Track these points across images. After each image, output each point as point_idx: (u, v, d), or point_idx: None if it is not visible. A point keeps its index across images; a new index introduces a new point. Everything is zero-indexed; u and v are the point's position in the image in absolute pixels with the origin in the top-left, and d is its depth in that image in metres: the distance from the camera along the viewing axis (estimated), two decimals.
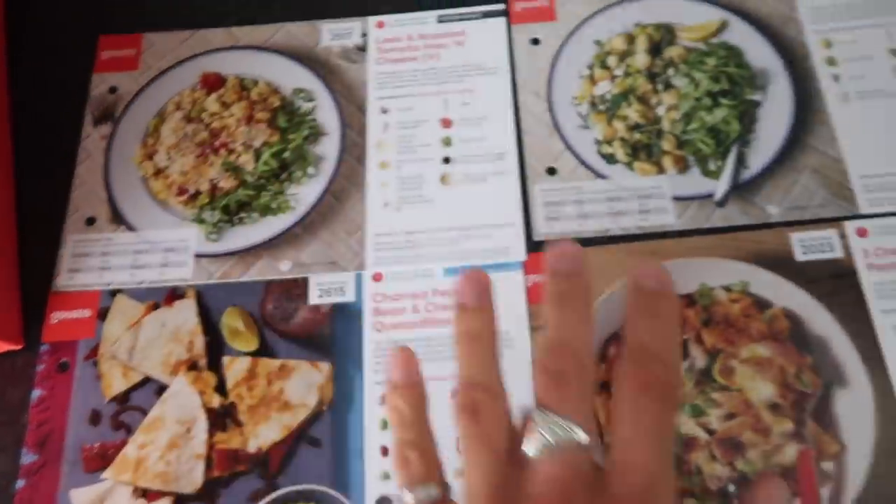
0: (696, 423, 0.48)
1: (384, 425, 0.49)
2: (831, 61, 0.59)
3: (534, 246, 0.54)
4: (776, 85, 0.58)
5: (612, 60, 0.60)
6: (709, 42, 0.60)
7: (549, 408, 0.26)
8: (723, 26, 0.60)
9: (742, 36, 0.60)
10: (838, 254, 0.52)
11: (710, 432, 0.48)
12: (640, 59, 0.59)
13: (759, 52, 0.59)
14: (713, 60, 0.59)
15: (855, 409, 0.48)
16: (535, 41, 0.62)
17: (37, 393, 0.51)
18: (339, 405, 0.50)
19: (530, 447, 0.26)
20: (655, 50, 0.60)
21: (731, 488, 0.46)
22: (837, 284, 0.52)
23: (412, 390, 0.31)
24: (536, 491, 0.26)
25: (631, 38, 0.60)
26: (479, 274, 0.30)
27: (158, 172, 0.58)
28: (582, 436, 0.25)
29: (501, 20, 0.62)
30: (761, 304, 0.51)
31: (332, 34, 0.63)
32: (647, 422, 0.26)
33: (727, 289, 0.52)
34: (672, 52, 0.60)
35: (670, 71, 0.59)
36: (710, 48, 0.60)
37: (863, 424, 0.48)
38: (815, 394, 0.48)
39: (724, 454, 0.47)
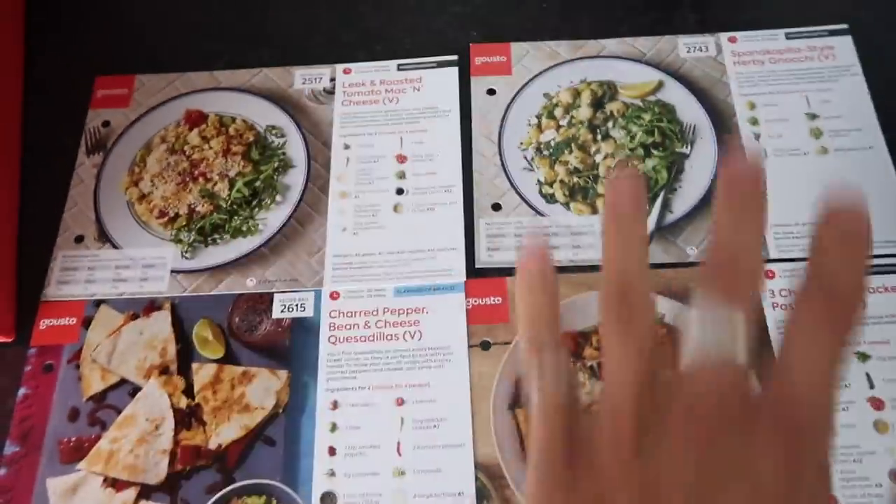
0: None
1: (332, 428, 0.59)
2: (754, 121, 0.70)
3: (474, 272, 0.65)
4: (703, 140, 0.69)
5: (558, 111, 0.71)
6: (645, 100, 0.72)
7: (713, 296, 0.25)
8: (659, 86, 0.72)
9: (676, 95, 0.72)
10: None
11: None
12: (584, 112, 0.71)
13: (690, 110, 0.71)
14: (648, 116, 0.70)
15: None
16: (492, 91, 0.73)
17: (22, 391, 0.61)
18: (294, 409, 0.60)
19: (689, 342, 0.25)
20: (598, 104, 0.71)
21: None
22: None
23: (547, 278, 0.29)
24: (689, 394, 0.25)
25: (577, 93, 0.72)
26: (635, 179, 0.28)
27: (143, 197, 0.69)
28: (741, 344, 0.25)
29: (454, 69, 0.74)
30: (676, 335, 0.62)
31: (304, 78, 0.75)
32: (821, 358, 0.24)
33: None
34: (612, 107, 0.71)
35: (610, 123, 0.70)
36: (647, 105, 0.71)
37: None
38: None
39: None
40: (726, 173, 0.26)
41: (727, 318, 0.25)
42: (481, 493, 0.56)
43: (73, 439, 0.60)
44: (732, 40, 0.74)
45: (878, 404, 0.58)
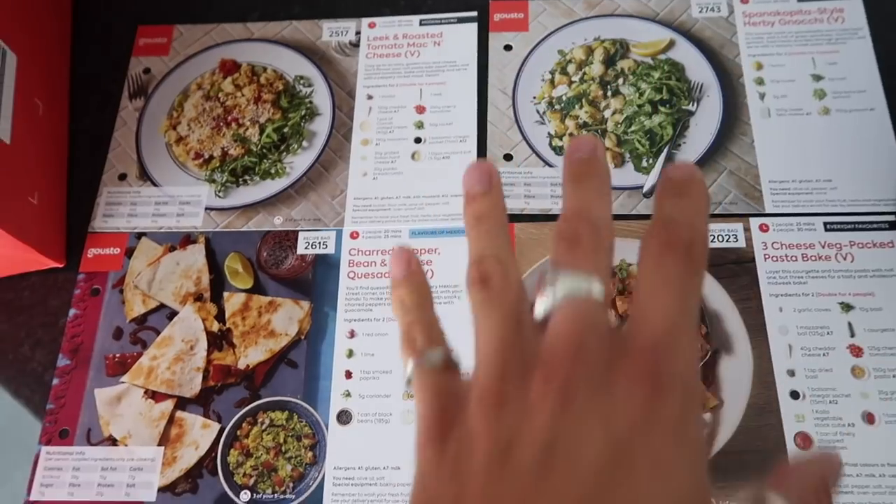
0: None
1: (349, 354, 0.66)
2: (760, 81, 0.74)
3: None
4: (709, 98, 0.74)
5: (571, 68, 0.76)
6: (656, 58, 0.76)
7: (562, 266, 0.27)
8: (670, 45, 0.76)
9: (686, 54, 0.76)
10: (741, 244, 0.68)
11: None
12: (596, 68, 0.75)
13: (698, 69, 0.75)
14: (658, 74, 0.74)
15: (736, 372, 0.64)
16: (508, 47, 0.78)
17: (73, 312, 0.69)
18: (315, 336, 0.67)
19: (540, 305, 0.27)
20: (610, 61, 0.76)
21: None
22: (737, 269, 0.67)
23: (412, 279, 0.33)
24: (546, 344, 0.26)
25: (590, 50, 0.76)
26: (484, 163, 0.32)
27: (180, 140, 0.76)
28: (596, 287, 0.26)
29: (474, 25, 0.79)
30: None
31: (331, 31, 0.80)
32: (669, 278, 0.26)
33: None
34: (623, 64, 0.75)
35: (620, 80, 0.75)
36: (657, 63, 0.75)
37: (740, 386, 0.63)
38: (704, 357, 0.64)
39: None
40: (566, 154, 0.30)
41: (574, 277, 0.27)
42: None
43: (118, 356, 0.68)
44: (745, 1, 0.78)
45: (857, 351, 0.63)
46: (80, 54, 0.81)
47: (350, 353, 0.66)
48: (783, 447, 0.60)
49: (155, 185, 0.74)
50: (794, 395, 0.62)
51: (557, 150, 0.73)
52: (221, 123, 0.76)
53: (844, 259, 0.66)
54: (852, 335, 0.64)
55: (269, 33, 0.81)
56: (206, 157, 0.74)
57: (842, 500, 0.59)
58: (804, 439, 0.61)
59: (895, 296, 0.65)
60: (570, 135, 0.73)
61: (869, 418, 0.61)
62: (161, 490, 0.62)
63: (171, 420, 0.65)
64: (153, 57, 0.81)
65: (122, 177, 0.75)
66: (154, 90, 0.79)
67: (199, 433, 0.64)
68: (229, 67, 0.78)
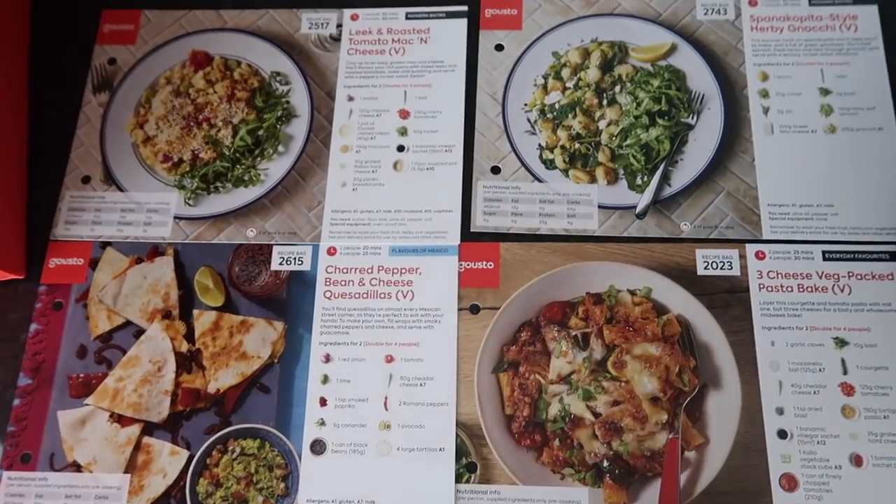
0: (586, 405, 0.62)
1: (324, 380, 0.64)
2: (764, 93, 0.70)
3: (469, 236, 0.67)
4: (710, 111, 0.70)
5: (565, 72, 0.72)
6: (656, 64, 0.72)
7: None
8: (672, 49, 0.72)
9: (688, 60, 0.71)
10: (735, 272, 0.65)
11: (596, 415, 0.62)
12: (592, 74, 0.71)
13: (700, 78, 0.71)
14: (657, 82, 0.70)
15: (723, 409, 0.62)
16: (499, 47, 0.73)
17: (34, 327, 0.66)
18: (288, 359, 0.65)
19: None
20: (607, 66, 0.72)
21: (605, 464, 0.61)
22: (729, 299, 0.65)
23: None
24: None
25: (586, 53, 0.72)
26: None
27: (147, 140, 0.72)
28: None
29: (463, 21, 0.74)
30: (659, 309, 0.65)
31: (311, 23, 0.75)
32: None
33: (632, 292, 0.65)
34: (622, 70, 0.71)
35: (617, 88, 0.71)
36: (657, 70, 0.71)
37: (727, 422, 0.61)
38: (691, 392, 0.62)
39: (604, 435, 0.61)
40: None
41: None
42: (461, 450, 0.61)
43: (82, 375, 0.65)
44: (753, 3, 0.73)
45: (848, 390, 0.62)
46: (40, 41, 0.76)
47: (325, 379, 0.64)
48: (767, 489, 0.59)
49: (121, 189, 0.70)
50: (782, 434, 0.61)
51: (548, 164, 0.69)
52: (192, 123, 0.71)
53: (842, 291, 0.64)
54: (845, 372, 0.62)
55: (243, 23, 0.76)
56: (176, 160, 0.70)
57: None
58: (789, 481, 0.59)
59: (891, 332, 0.63)
60: (563, 147, 0.69)
61: (857, 460, 0.60)
62: None
63: (137, 446, 0.63)
64: (119, 46, 0.75)
65: (86, 180, 0.71)
66: (120, 83, 0.74)
67: (167, 460, 0.62)
68: (201, 60, 0.73)
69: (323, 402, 0.63)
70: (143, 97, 0.73)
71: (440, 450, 0.61)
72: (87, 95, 0.74)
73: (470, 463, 0.61)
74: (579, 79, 0.71)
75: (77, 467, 0.62)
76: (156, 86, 0.73)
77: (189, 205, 0.70)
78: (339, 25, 0.75)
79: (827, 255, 0.65)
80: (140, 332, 0.66)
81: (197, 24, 0.76)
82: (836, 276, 0.65)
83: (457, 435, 0.62)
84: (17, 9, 0.75)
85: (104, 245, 0.69)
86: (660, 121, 0.69)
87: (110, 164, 0.71)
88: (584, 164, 0.69)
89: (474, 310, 0.65)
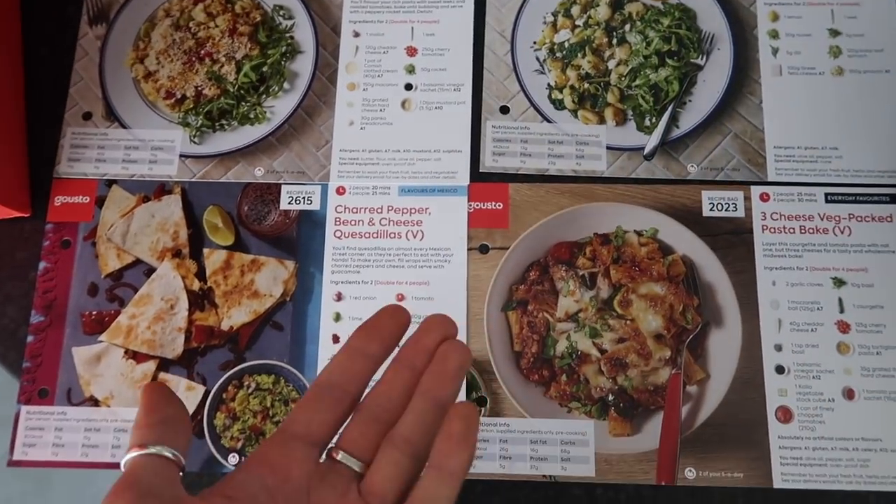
0: (592, 342, 0.64)
1: (336, 317, 0.65)
2: (774, 34, 0.71)
3: (478, 176, 0.68)
4: (720, 52, 0.70)
5: (575, 9, 0.71)
6: (667, 2, 0.71)
7: None
8: None
9: None
10: (740, 213, 0.67)
11: (602, 351, 0.64)
12: (602, 12, 0.71)
13: (711, 18, 0.71)
14: (667, 20, 0.70)
15: (724, 346, 0.65)
16: None
17: (43, 265, 0.67)
18: (300, 298, 0.66)
19: None
20: (617, 3, 0.71)
21: (610, 398, 0.64)
22: (733, 240, 0.67)
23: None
24: None
25: None
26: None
27: (148, 75, 0.71)
28: None
29: None
30: (665, 250, 0.67)
31: None
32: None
33: (639, 233, 0.67)
34: (632, 8, 0.71)
35: (627, 26, 0.71)
36: (667, 8, 0.71)
37: (728, 359, 0.64)
38: (694, 329, 0.65)
39: (609, 370, 0.64)
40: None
41: None
42: (471, 385, 0.64)
43: (94, 313, 0.66)
44: None
45: (844, 327, 0.65)
46: None
47: (337, 317, 0.65)
48: (764, 421, 0.63)
49: (123, 126, 0.70)
50: (780, 369, 0.64)
51: (557, 104, 0.70)
52: (194, 58, 0.70)
53: (842, 232, 0.66)
54: (841, 311, 0.65)
55: None
56: (179, 96, 0.70)
57: (815, 472, 0.62)
58: (785, 413, 0.63)
59: (888, 272, 0.65)
60: (572, 87, 0.69)
61: (849, 394, 0.63)
62: None
63: (154, 381, 0.64)
64: None
65: (87, 116, 0.70)
66: (117, 15, 0.72)
67: (184, 395, 0.64)
68: None
69: (336, 339, 0.65)
70: (142, 30, 0.72)
71: None
72: (83, 28, 0.72)
73: (480, 397, 0.64)
74: (589, 16, 0.71)
75: (95, 402, 0.64)
76: (154, 18, 0.72)
77: (194, 143, 0.69)
78: None
79: (829, 198, 0.67)
80: (151, 270, 0.67)
81: None
82: (837, 218, 0.67)
83: (468, 371, 0.64)
84: None
85: (109, 183, 0.69)
86: (669, 61, 0.69)
87: (111, 99, 0.70)
88: (594, 104, 0.70)
89: (483, 250, 0.67)
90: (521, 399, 0.64)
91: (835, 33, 0.70)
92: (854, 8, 0.71)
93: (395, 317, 0.41)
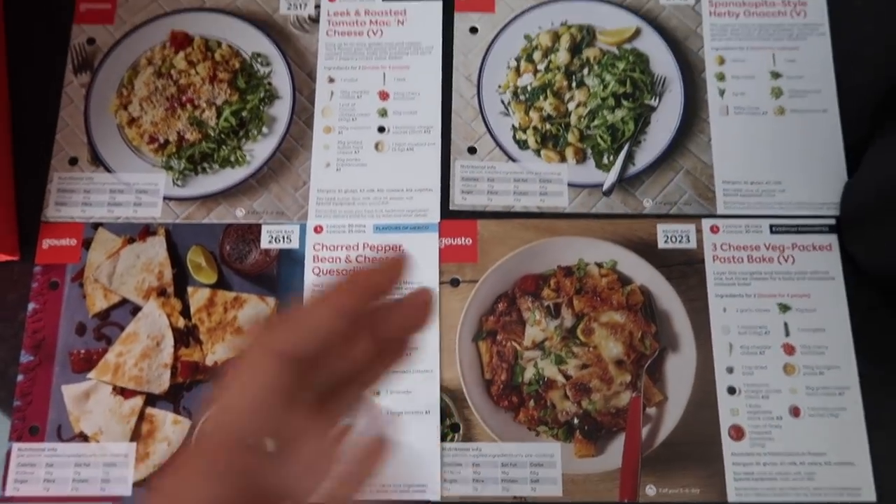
0: (558, 369, 0.69)
1: None
2: (720, 76, 0.76)
3: (448, 213, 0.73)
4: (671, 93, 0.76)
5: (537, 55, 0.76)
6: (622, 47, 0.77)
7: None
8: (636, 33, 0.77)
9: (651, 44, 0.77)
10: (692, 245, 0.72)
11: (567, 377, 0.69)
12: (562, 57, 0.76)
13: (662, 62, 0.76)
14: (622, 65, 0.75)
15: (680, 369, 0.70)
16: (474, 30, 0.77)
17: (32, 306, 0.70)
18: None
19: None
20: (576, 49, 0.76)
21: (576, 421, 0.68)
22: (686, 270, 0.72)
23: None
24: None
25: (556, 36, 0.77)
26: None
27: (132, 121, 0.74)
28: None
29: (438, 3, 0.78)
30: (624, 280, 0.71)
31: (289, 3, 0.78)
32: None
33: (599, 265, 0.72)
34: (589, 53, 0.76)
35: (585, 70, 0.76)
36: (622, 53, 0.76)
37: (683, 382, 0.69)
38: (652, 355, 0.70)
39: (574, 395, 0.68)
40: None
41: None
42: (445, 412, 0.68)
43: (83, 351, 0.69)
44: None
45: (790, 350, 0.70)
46: (16, 21, 0.77)
47: None
48: (718, 439, 0.67)
49: (108, 170, 0.73)
50: (731, 390, 0.69)
51: (521, 144, 0.74)
52: (176, 104, 0.74)
53: (786, 261, 0.72)
54: (787, 334, 0.70)
55: (221, 2, 0.78)
56: (162, 141, 0.73)
57: (766, 486, 0.67)
58: (737, 431, 0.68)
59: (828, 297, 0.71)
60: (535, 128, 0.74)
61: (795, 412, 0.68)
62: (136, 485, 0.66)
63: (141, 416, 0.68)
64: (97, 25, 0.77)
65: (73, 161, 0.74)
66: (100, 64, 0.76)
67: (171, 429, 0.67)
68: (181, 41, 0.76)
69: None
70: (126, 78, 0.75)
71: (426, 412, 0.68)
72: (67, 76, 0.76)
73: (454, 423, 0.68)
74: (550, 61, 0.76)
75: (84, 437, 0.67)
76: (137, 66, 0.76)
77: (178, 185, 0.73)
78: (318, 6, 0.77)
79: (774, 229, 0.72)
80: (137, 309, 0.70)
81: (175, 3, 0.77)
82: (781, 248, 0.72)
83: (442, 398, 0.68)
84: None
85: (96, 226, 0.72)
86: (625, 102, 0.75)
87: (96, 145, 0.74)
88: (555, 144, 0.75)
89: (454, 283, 0.71)
90: (492, 424, 0.68)
91: (776, 75, 0.76)
92: (793, 52, 0.77)
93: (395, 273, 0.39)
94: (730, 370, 0.69)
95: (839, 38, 0.77)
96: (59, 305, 0.70)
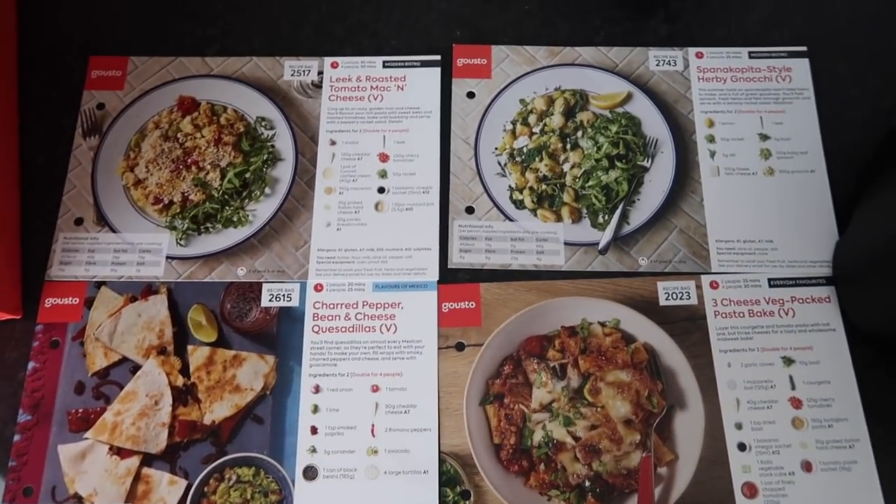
0: (566, 431, 0.68)
1: (314, 409, 0.69)
2: (711, 138, 0.79)
3: (447, 272, 0.74)
4: (663, 155, 0.78)
5: (532, 118, 0.79)
6: (614, 111, 0.80)
7: None
8: (628, 97, 0.80)
9: (642, 108, 0.80)
10: (693, 301, 0.73)
11: (576, 439, 0.68)
12: (556, 120, 0.79)
13: (654, 124, 0.79)
14: (615, 127, 0.78)
15: (689, 427, 0.69)
16: (471, 94, 0.80)
17: (32, 365, 0.70)
18: (280, 391, 0.70)
19: None
20: (570, 113, 0.79)
21: (587, 484, 0.67)
22: (689, 326, 0.72)
23: None
24: None
25: (551, 100, 0.80)
26: None
27: (138, 183, 0.76)
28: None
29: (437, 69, 0.81)
30: (628, 339, 0.72)
31: (293, 70, 0.81)
32: None
33: (602, 324, 0.72)
34: (583, 116, 0.79)
35: (579, 133, 0.78)
36: (615, 116, 0.79)
37: (693, 440, 0.69)
38: (660, 413, 0.69)
39: (584, 457, 0.68)
40: None
41: None
42: (454, 479, 0.67)
43: (81, 411, 0.69)
44: (699, 55, 0.82)
45: (797, 403, 0.70)
46: (28, 86, 0.80)
47: (315, 409, 0.69)
48: (732, 497, 0.67)
49: (113, 231, 0.75)
50: (741, 446, 0.68)
51: (518, 204, 0.76)
52: (181, 166, 0.76)
53: (787, 314, 0.73)
54: (793, 388, 0.70)
55: (228, 69, 0.81)
56: (166, 202, 0.75)
57: None
58: (750, 489, 0.67)
59: (831, 348, 0.71)
60: (531, 188, 0.76)
61: (807, 466, 0.68)
62: None
63: (137, 477, 0.67)
64: (107, 91, 0.80)
65: (79, 221, 0.75)
66: (109, 128, 0.78)
67: (167, 490, 0.66)
68: (188, 105, 0.79)
69: (314, 430, 0.68)
70: (133, 141, 0.78)
71: (424, 472, 0.67)
72: (77, 140, 0.78)
73: (464, 491, 0.67)
74: (545, 124, 0.79)
75: (79, 499, 0.66)
76: (145, 130, 0.78)
77: (181, 245, 0.74)
78: (321, 73, 0.81)
79: (772, 283, 0.74)
80: (136, 367, 0.70)
81: (183, 70, 0.81)
82: (780, 301, 0.73)
83: (450, 464, 0.68)
84: (5, 55, 0.79)
85: (98, 285, 0.73)
86: (618, 164, 0.77)
87: (102, 206, 0.76)
88: (551, 204, 0.76)
89: (460, 347, 0.72)
90: (503, 491, 0.67)
91: (764, 137, 0.79)
92: (780, 115, 0.80)
93: None
94: (738, 426, 0.69)
95: (824, 102, 0.80)
96: (59, 364, 0.70)
